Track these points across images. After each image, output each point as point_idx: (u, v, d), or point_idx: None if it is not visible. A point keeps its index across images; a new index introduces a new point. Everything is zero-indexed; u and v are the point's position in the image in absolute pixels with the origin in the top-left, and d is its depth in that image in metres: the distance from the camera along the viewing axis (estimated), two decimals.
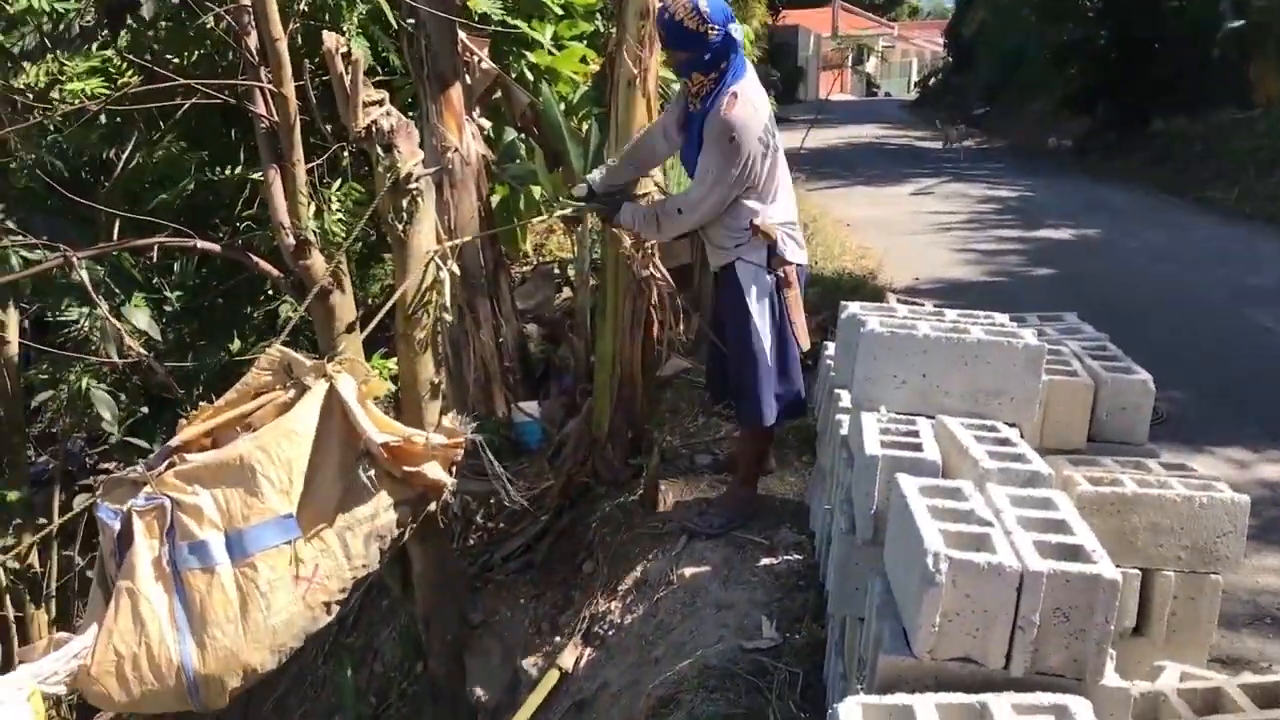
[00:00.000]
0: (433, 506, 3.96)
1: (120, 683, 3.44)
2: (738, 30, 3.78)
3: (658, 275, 4.59)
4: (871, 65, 51.52)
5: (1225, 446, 5.53)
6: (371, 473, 3.67)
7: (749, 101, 3.80)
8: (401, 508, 3.77)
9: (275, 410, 3.75)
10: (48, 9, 4.03)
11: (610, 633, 4.13)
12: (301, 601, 3.59)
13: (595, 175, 4.24)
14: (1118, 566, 1.98)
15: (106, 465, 7.47)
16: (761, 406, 4.06)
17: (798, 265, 4.04)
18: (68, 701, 3.61)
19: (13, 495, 5.74)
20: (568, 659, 4.13)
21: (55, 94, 4.59)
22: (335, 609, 3.72)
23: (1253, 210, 12.72)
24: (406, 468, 3.69)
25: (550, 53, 6.51)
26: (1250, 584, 4.04)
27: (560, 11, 6.82)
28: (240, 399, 3.80)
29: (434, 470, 3.76)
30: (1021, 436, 2.70)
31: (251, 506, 3.55)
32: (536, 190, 6.01)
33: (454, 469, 3.95)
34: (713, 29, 3.69)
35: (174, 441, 3.71)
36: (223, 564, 3.52)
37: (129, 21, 5.64)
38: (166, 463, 3.65)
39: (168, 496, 3.52)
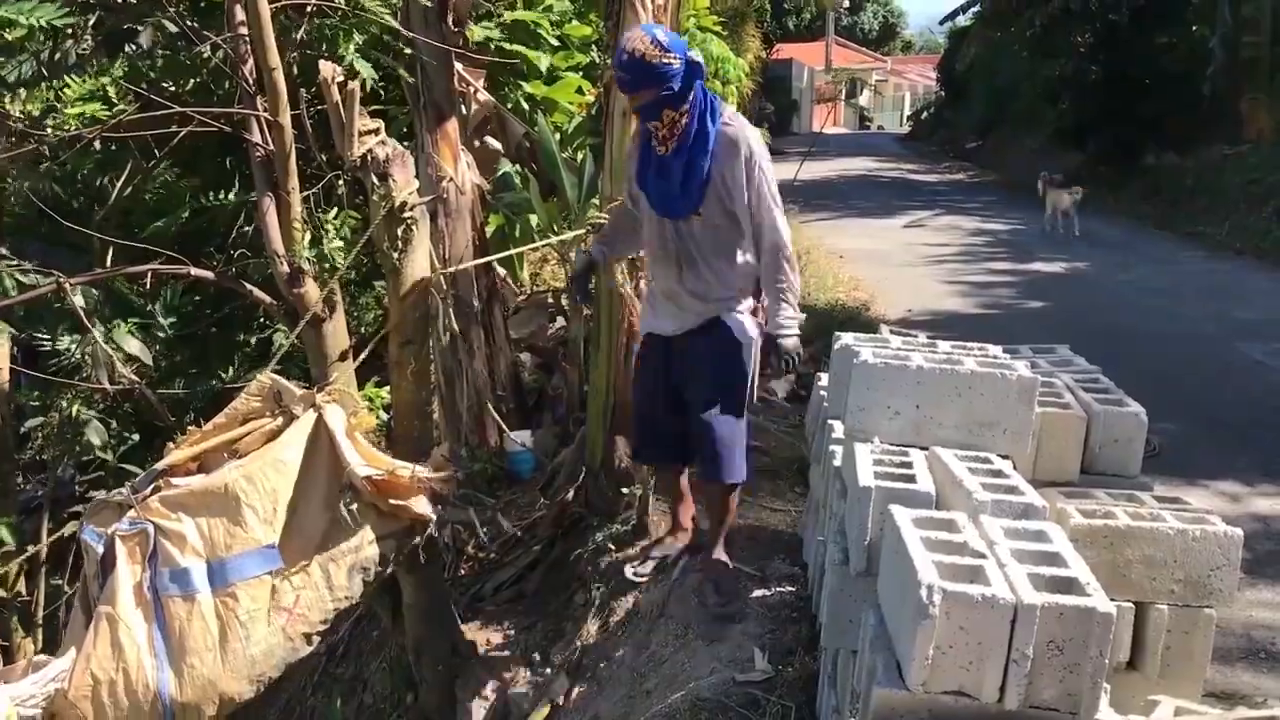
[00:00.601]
0: (418, 540, 3.92)
1: (96, 708, 3.41)
2: (698, 54, 3.70)
3: None
4: (865, 98, 51.89)
5: (1217, 480, 5.54)
6: (355, 506, 3.63)
7: (746, 124, 3.77)
8: (386, 541, 3.74)
9: (262, 438, 3.74)
10: (45, 25, 4.03)
11: (602, 664, 4.10)
12: (281, 632, 3.57)
13: (595, 250, 4.13)
14: (1111, 600, 1.98)
15: (96, 493, 7.44)
16: (742, 460, 3.89)
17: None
18: None
19: (4, 530, 5.69)
20: (559, 692, 4.10)
21: (51, 120, 4.59)
22: (316, 639, 3.69)
23: (1242, 245, 12.82)
24: (393, 500, 3.67)
25: (546, 83, 6.56)
26: (1244, 618, 4.03)
27: (556, 43, 6.87)
28: (229, 424, 3.78)
29: (420, 505, 3.73)
30: (1015, 468, 2.70)
31: (235, 535, 3.53)
32: (532, 219, 6.03)
33: (440, 503, 3.92)
34: (675, 57, 3.55)
35: (160, 465, 3.70)
36: (203, 592, 3.49)
37: (126, 49, 5.68)
38: (152, 487, 3.63)
39: (151, 522, 3.50)
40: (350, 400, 3.86)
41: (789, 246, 3.76)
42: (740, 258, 3.80)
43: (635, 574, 4.28)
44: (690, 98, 3.66)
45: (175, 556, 3.48)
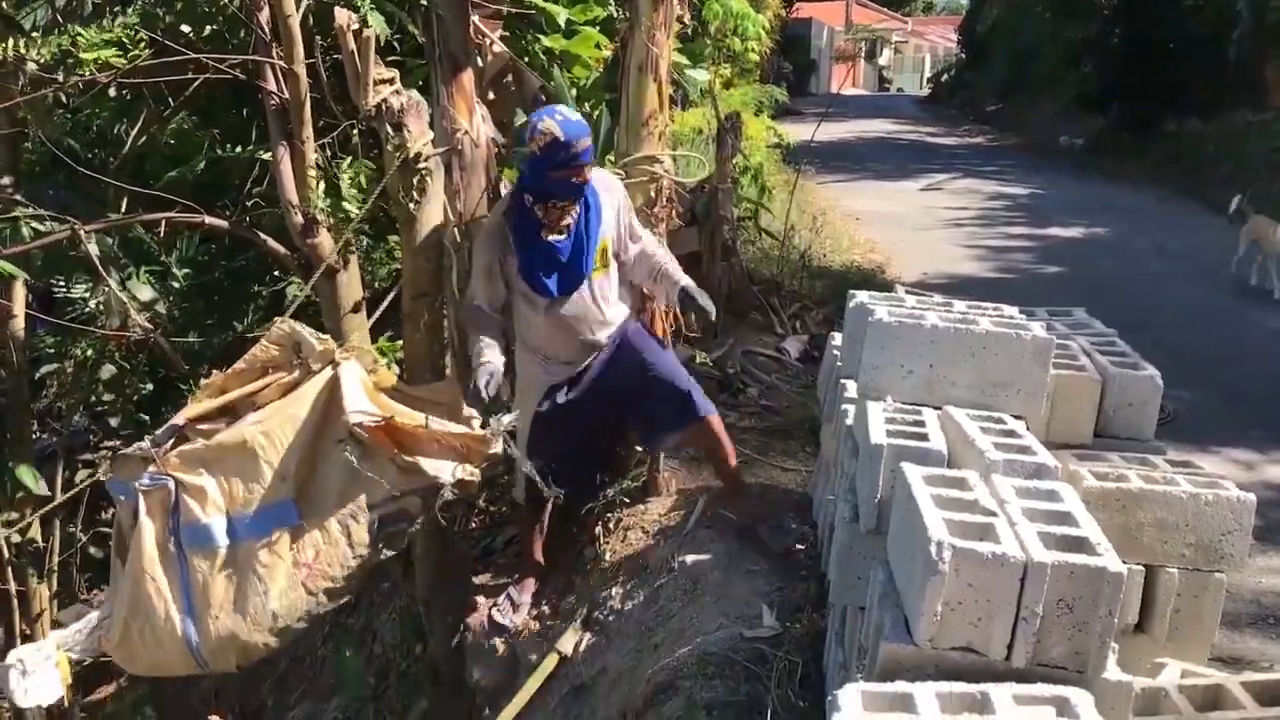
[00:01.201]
0: (446, 496, 3.75)
1: (133, 652, 3.58)
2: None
3: None
4: (885, 58, 51.37)
5: (1230, 447, 5.53)
6: (356, 455, 3.59)
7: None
8: (410, 497, 3.67)
9: (279, 390, 3.73)
10: None
11: (610, 618, 4.12)
12: (302, 587, 3.58)
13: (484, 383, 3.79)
14: (1122, 562, 1.97)
15: (110, 443, 7.49)
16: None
17: None
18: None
19: (24, 472, 5.73)
20: (567, 644, 4.13)
21: (66, 66, 4.57)
22: (343, 595, 3.70)
23: (1264, 213, 12.66)
24: (406, 457, 3.64)
25: (564, 37, 6.49)
26: (1253, 584, 4.03)
27: None
28: (248, 372, 3.78)
29: (431, 466, 3.67)
30: (1028, 429, 2.69)
31: (254, 491, 3.56)
32: None
33: (478, 465, 3.76)
34: (584, 141, 3.62)
35: (179, 417, 3.72)
36: (223, 547, 3.55)
37: None
38: (172, 439, 3.66)
39: (172, 477, 3.54)
40: (369, 356, 3.84)
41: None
42: (627, 287, 4.07)
43: (508, 621, 4.38)
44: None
45: (196, 512, 3.53)
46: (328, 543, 3.60)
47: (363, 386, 3.66)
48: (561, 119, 3.61)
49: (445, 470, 3.67)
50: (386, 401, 3.72)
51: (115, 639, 3.56)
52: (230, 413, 3.77)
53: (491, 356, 3.80)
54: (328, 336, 3.82)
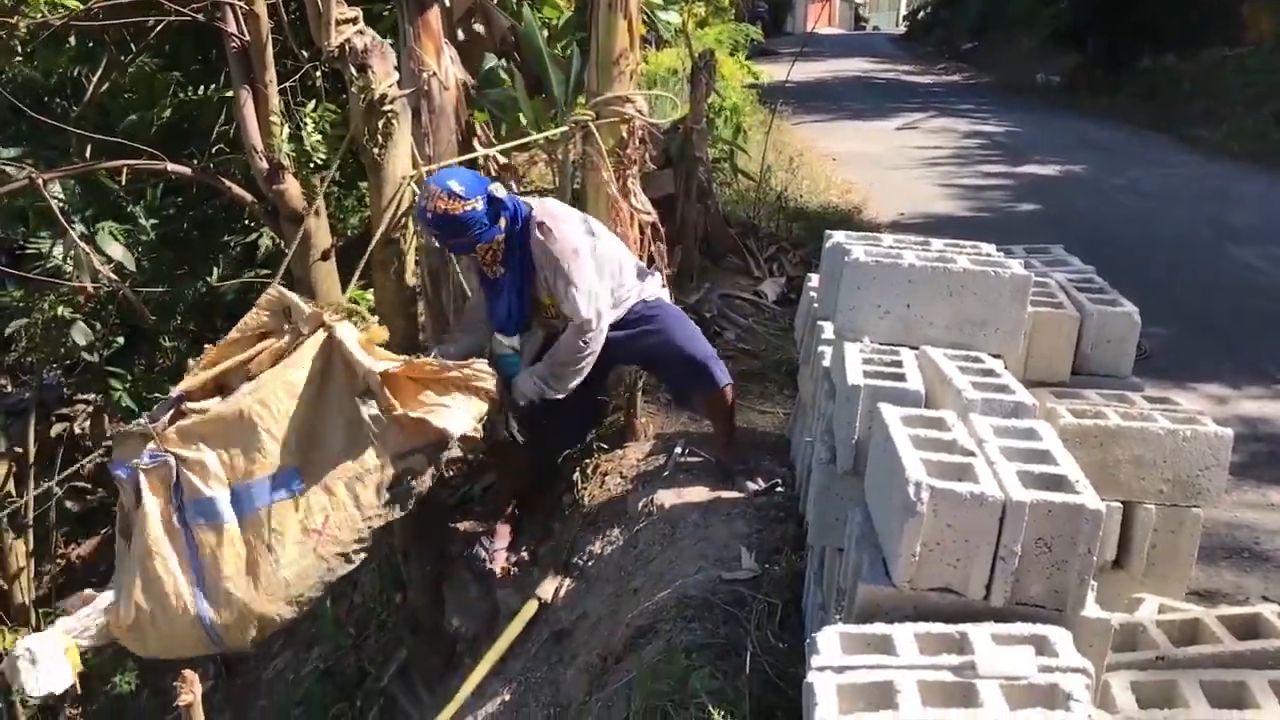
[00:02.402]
0: (456, 452, 3.80)
1: (145, 634, 3.58)
2: (501, 189, 3.74)
3: (640, 207, 4.52)
4: None
5: (1206, 382, 5.55)
6: (375, 411, 3.57)
7: (554, 215, 3.84)
8: (415, 456, 3.65)
9: (271, 357, 3.71)
10: None
11: (589, 564, 4.12)
12: (313, 553, 3.59)
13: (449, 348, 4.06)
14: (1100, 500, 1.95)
15: (84, 396, 7.42)
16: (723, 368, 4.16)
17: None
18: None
19: None
20: (547, 590, 4.13)
21: (22, 10, 4.44)
22: (356, 558, 3.70)
23: (1240, 149, 12.67)
24: (412, 414, 3.60)
25: None
26: (1228, 518, 4.06)
27: None
28: (240, 341, 3.76)
29: (440, 418, 3.65)
30: (1005, 368, 2.66)
31: (255, 461, 3.55)
32: (520, 117, 5.89)
33: (484, 412, 3.78)
34: (474, 201, 3.63)
35: (176, 391, 3.71)
36: (229, 520, 3.54)
37: None
38: (170, 414, 3.64)
39: (172, 453, 3.54)
40: (360, 314, 3.79)
41: (590, 321, 3.82)
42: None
43: (485, 569, 4.42)
44: (501, 224, 3.76)
45: (199, 486, 3.53)
46: (335, 507, 3.59)
47: (359, 344, 3.62)
48: (423, 202, 3.66)
49: (453, 423, 3.64)
50: (385, 354, 3.68)
51: (126, 622, 3.56)
52: (224, 386, 3.75)
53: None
54: (317, 301, 3.78)
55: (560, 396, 3.90)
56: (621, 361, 4.30)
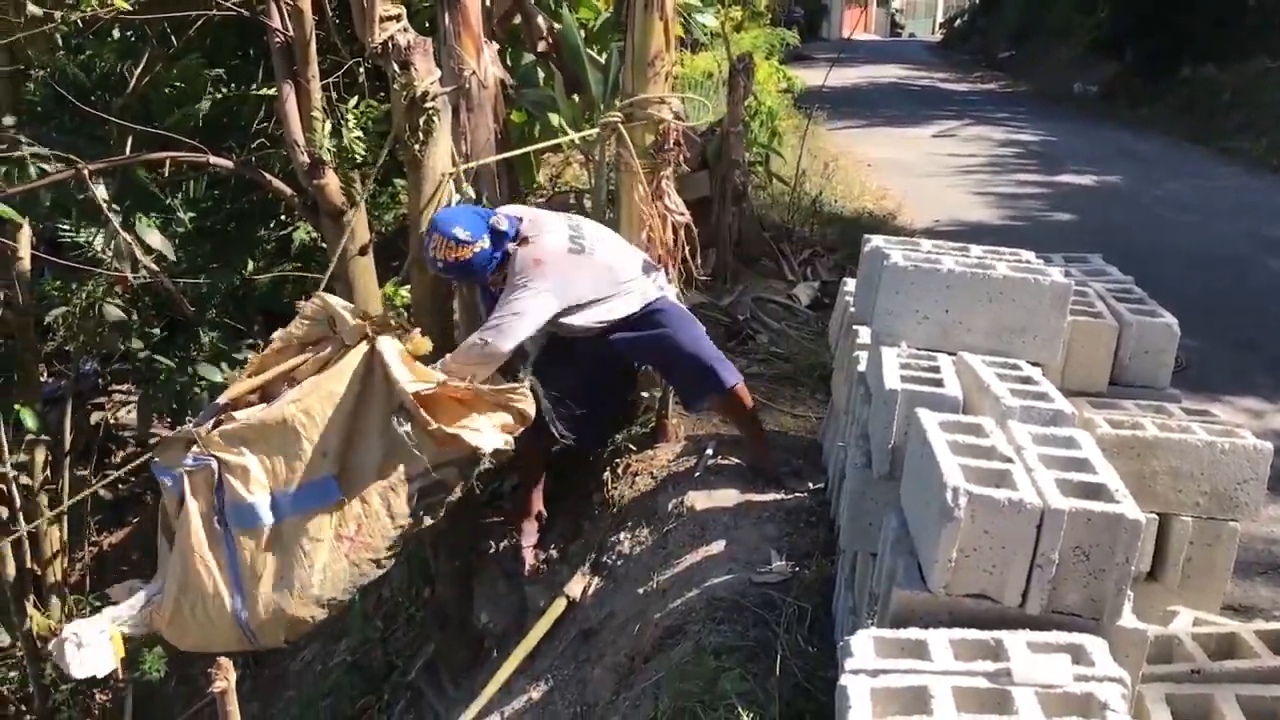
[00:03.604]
0: (488, 464, 3.94)
1: (184, 629, 3.73)
2: (503, 220, 3.82)
3: (674, 208, 4.52)
4: (898, 2, 50.68)
5: (1241, 396, 5.50)
6: (408, 427, 3.62)
7: (537, 225, 3.93)
8: (448, 468, 3.73)
9: (315, 365, 3.81)
10: None
11: (618, 563, 4.13)
12: (345, 559, 3.67)
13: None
14: None
15: (119, 387, 7.49)
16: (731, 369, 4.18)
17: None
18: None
19: (28, 417, 5.73)
20: (575, 588, 4.14)
21: (67, 3, 4.50)
22: (387, 563, 3.80)
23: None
24: (446, 428, 3.64)
25: None
26: (1265, 533, 4.02)
27: None
28: (284, 349, 3.86)
29: (473, 437, 3.70)
30: (1044, 376, 2.65)
31: (295, 469, 3.63)
32: (554, 118, 5.91)
33: (516, 420, 3.84)
34: (480, 243, 3.75)
35: (222, 399, 3.82)
36: (268, 525, 3.64)
37: None
38: (213, 420, 3.74)
39: (215, 457, 3.63)
40: (402, 326, 3.86)
41: (495, 332, 3.81)
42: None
43: (514, 568, 4.48)
44: (510, 249, 3.85)
45: (240, 491, 3.62)
46: (369, 516, 3.68)
47: (400, 358, 3.69)
48: (429, 251, 3.82)
49: (485, 441, 3.71)
50: (426, 370, 3.74)
51: (166, 616, 3.71)
52: (267, 393, 3.86)
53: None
54: (362, 310, 3.86)
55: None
56: (632, 361, 4.35)
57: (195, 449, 3.66)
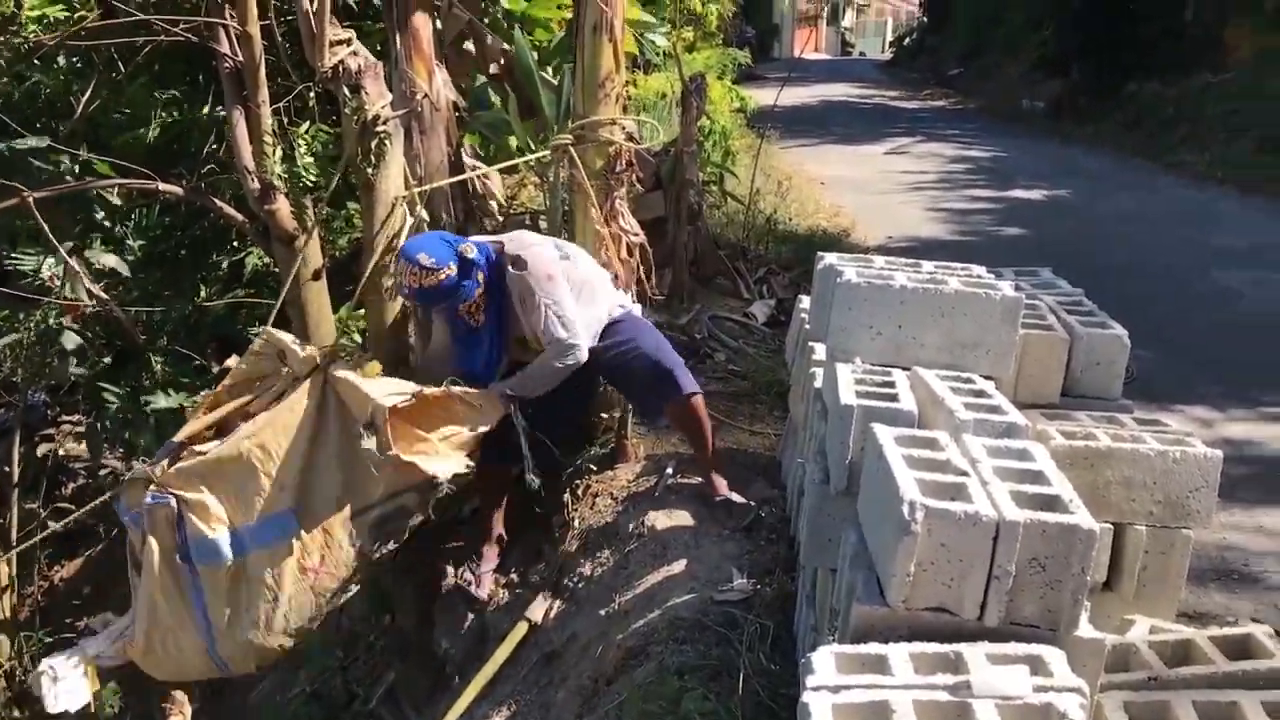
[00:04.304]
0: (447, 490, 3.93)
1: (158, 660, 3.81)
2: (471, 248, 3.84)
3: (628, 229, 4.53)
4: (848, 21, 51.24)
5: (1191, 405, 5.58)
6: (371, 444, 3.61)
7: (525, 245, 3.95)
8: (409, 494, 3.76)
9: (268, 400, 3.84)
10: None
11: (580, 585, 4.10)
12: (310, 590, 3.72)
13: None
14: None
15: (68, 418, 7.36)
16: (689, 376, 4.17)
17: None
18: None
19: None
20: (537, 611, 4.11)
21: (8, 27, 4.44)
22: (350, 588, 3.87)
23: (1224, 174, 12.77)
24: (405, 457, 3.64)
25: None
26: (1217, 540, 4.07)
27: None
28: (237, 385, 3.89)
29: (430, 465, 3.71)
30: (997, 389, 2.68)
31: (254, 503, 3.66)
32: (511, 140, 5.91)
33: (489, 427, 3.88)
34: (447, 269, 3.74)
35: (178, 437, 3.84)
36: (231, 560, 3.67)
37: None
38: (169, 458, 3.77)
39: (174, 494, 3.65)
40: (352, 352, 3.88)
41: (568, 341, 3.90)
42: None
43: (474, 593, 4.40)
44: (480, 279, 3.86)
45: (201, 527, 3.65)
46: (331, 546, 3.74)
47: (364, 376, 3.72)
48: (398, 277, 3.82)
49: (442, 467, 3.74)
50: (397, 383, 3.78)
51: (140, 648, 3.77)
52: (223, 429, 3.88)
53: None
54: (310, 346, 3.87)
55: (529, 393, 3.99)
56: (593, 376, 4.29)
57: (153, 487, 3.67)
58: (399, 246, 3.96)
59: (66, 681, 3.65)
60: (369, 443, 3.61)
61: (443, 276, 3.73)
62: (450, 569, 4.53)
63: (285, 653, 3.81)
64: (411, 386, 3.76)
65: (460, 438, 3.83)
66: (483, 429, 3.85)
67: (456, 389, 3.82)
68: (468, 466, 3.82)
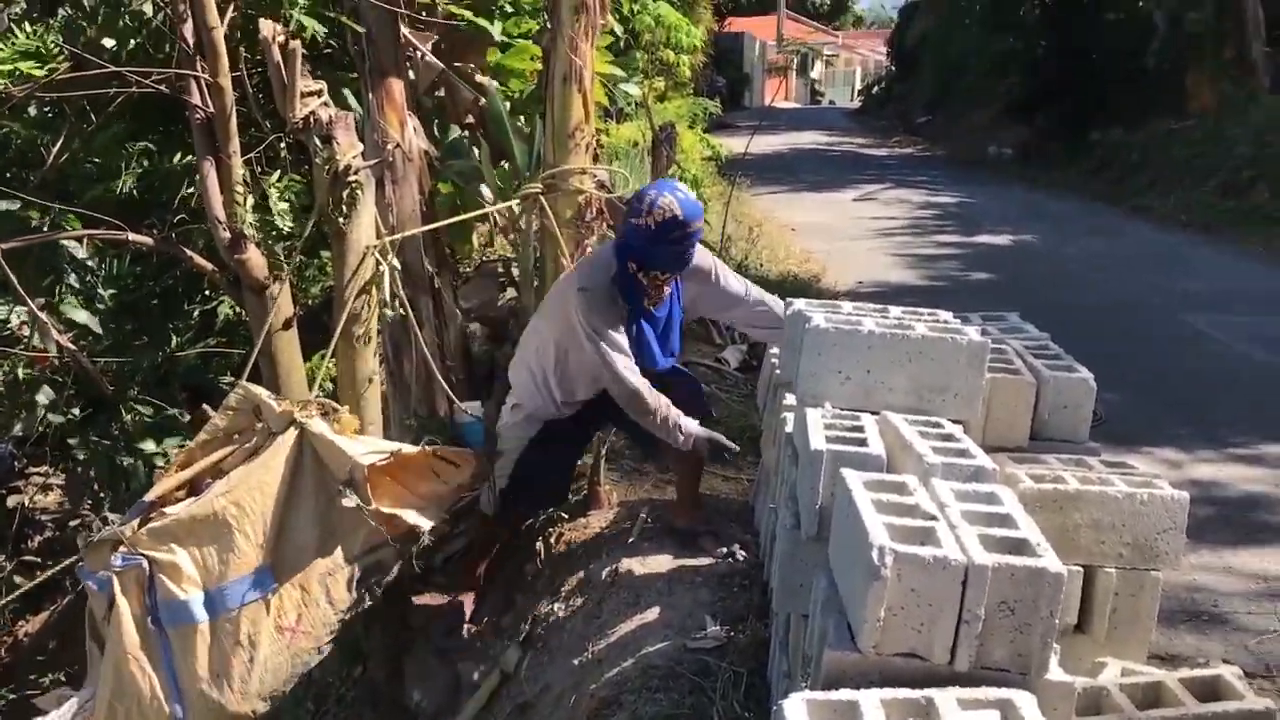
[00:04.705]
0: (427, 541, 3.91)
1: None
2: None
3: None
4: (817, 71, 51.93)
5: (1159, 447, 5.63)
6: (354, 503, 3.57)
7: None
8: (386, 549, 3.72)
9: (243, 455, 3.75)
10: None
11: (553, 634, 4.08)
12: (286, 650, 3.64)
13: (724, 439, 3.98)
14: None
15: (36, 469, 7.28)
16: None
17: None
18: None
19: None
20: (510, 661, 4.07)
21: None
22: (326, 647, 3.77)
23: (1189, 218, 13.00)
24: (385, 509, 3.61)
25: (499, 50, 6.44)
26: (1186, 581, 4.09)
27: (509, 9, 6.74)
28: (211, 442, 3.80)
29: (412, 516, 3.68)
30: (965, 433, 2.70)
31: (228, 562, 3.57)
32: (483, 189, 5.94)
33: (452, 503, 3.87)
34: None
35: (149, 496, 3.75)
36: (203, 622, 3.57)
37: (65, 9, 5.51)
38: (140, 519, 3.66)
39: (144, 555, 3.54)
40: (328, 407, 3.83)
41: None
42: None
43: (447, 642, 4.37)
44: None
45: (172, 589, 3.55)
46: (309, 604, 3.67)
47: (341, 433, 3.67)
48: (683, 197, 3.62)
49: (423, 520, 3.74)
50: (374, 441, 3.75)
51: None
52: (196, 486, 3.79)
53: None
54: (286, 401, 3.83)
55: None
56: (601, 421, 4.21)
57: (123, 549, 3.57)
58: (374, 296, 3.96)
59: None
60: (350, 501, 3.57)
61: (697, 226, 3.64)
62: (423, 620, 4.49)
63: (256, 717, 3.68)
64: (389, 445, 3.75)
65: (439, 492, 3.80)
66: (459, 484, 3.83)
67: (434, 448, 3.79)
68: (444, 518, 3.78)
